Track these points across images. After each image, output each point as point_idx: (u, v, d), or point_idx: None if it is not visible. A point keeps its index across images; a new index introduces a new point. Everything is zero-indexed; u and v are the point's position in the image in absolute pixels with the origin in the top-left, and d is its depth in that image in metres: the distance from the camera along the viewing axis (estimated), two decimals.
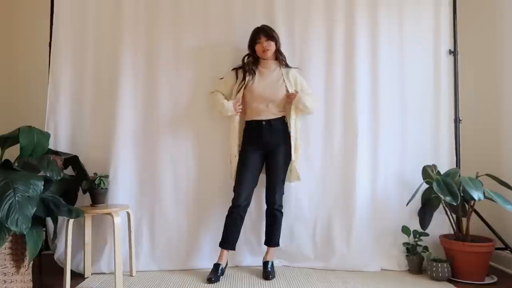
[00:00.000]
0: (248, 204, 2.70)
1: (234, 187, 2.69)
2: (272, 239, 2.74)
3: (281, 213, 2.73)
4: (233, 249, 2.70)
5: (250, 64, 2.75)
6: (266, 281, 2.59)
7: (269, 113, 2.70)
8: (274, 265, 2.75)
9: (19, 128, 2.37)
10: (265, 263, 2.71)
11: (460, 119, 3.02)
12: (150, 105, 2.91)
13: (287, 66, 2.80)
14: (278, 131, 2.70)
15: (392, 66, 2.97)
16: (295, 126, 2.75)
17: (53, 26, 2.92)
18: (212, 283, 2.54)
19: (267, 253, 2.75)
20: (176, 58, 2.92)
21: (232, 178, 2.74)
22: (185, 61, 2.92)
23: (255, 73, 2.73)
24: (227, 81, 2.79)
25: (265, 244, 2.77)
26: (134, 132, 2.88)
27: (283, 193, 2.74)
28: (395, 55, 2.98)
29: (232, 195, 2.69)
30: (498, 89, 3.03)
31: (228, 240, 2.67)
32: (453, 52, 3.02)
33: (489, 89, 3.09)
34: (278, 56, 2.77)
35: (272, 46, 2.70)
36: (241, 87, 2.72)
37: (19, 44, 3.31)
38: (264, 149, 2.71)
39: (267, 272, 2.65)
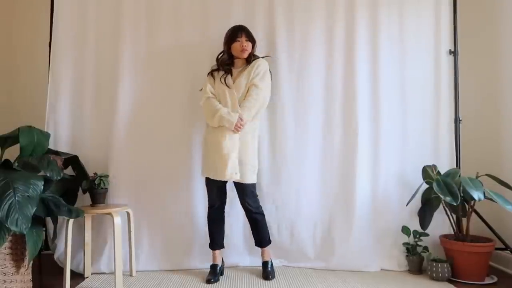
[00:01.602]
0: (223, 202, 2.68)
1: (206, 186, 2.67)
2: (261, 240, 2.69)
3: (262, 214, 2.67)
4: (223, 247, 2.71)
5: (225, 62, 2.66)
6: (266, 281, 2.59)
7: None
8: (274, 265, 2.74)
9: (19, 128, 2.38)
10: (264, 263, 2.70)
11: (460, 119, 3.02)
12: (150, 105, 2.91)
13: (254, 59, 2.69)
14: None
15: (392, 66, 2.97)
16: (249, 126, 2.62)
17: (53, 26, 2.93)
18: (211, 283, 2.54)
19: (262, 253, 2.72)
20: (176, 58, 2.93)
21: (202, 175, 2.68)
22: (185, 61, 2.93)
23: (231, 72, 2.65)
24: (211, 85, 2.67)
25: (256, 246, 2.73)
26: (134, 132, 2.88)
27: (255, 196, 2.64)
28: (395, 55, 2.97)
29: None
30: (498, 89, 3.03)
31: (215, 241, 2.68)
32: (453, 52, 3.01)
33: (489, 89, 3.09)
34: (249, 58, 2.67)
35: (250, 47, 2.64)
36: (221, 85, 2.61)
37: (19, 44, 3.31)
38: None
39: (267, 272, 2.64)
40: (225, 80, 2.61)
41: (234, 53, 2.66)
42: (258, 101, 2.60)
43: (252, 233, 2.72)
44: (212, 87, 2.66)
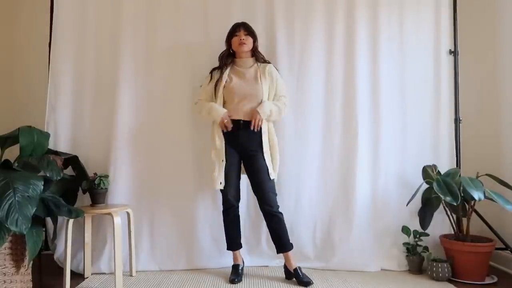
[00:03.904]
0: (239, 200, 2.68)
1: (222, 188, 2.63)
2: (284, 243, 2.57)
3: (281, 214, 2.60)
4: (241, 246, 2.72)
5: (225, 57, 2.67)
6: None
7: (248, 112, 2.59)
8: (274, 265, 2.74)
9: (19, 128, 2.38)
10: (295, 271, 2.55)
11: (460, 119, 3.02)
12: (150, 105, 2.91)
13: (264, 61, 2.72)
14: (255, 133, 2.58)
15: (392, 66, 2.97)
16: (268, 130, 2.64)
17: (53, 26, 2.93)
18: (235, 283, 2.53)
19: (288, 260, 2.58)
20: (176, 58, 2.92)
21: (219, 187, 2.60)
22: (184, 61, 2.92)
23: (227, 66, 2.66)
24: (204, 87, 2.71)
25: (279, 252, 2.61)
26: (134, 132, 2.88)
27: (276, 194, 2.61)
28: (395, 55, 2.98)
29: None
30: (498, 89, 3.03)
31: (235, 241, 2.68)
32: (453, 52, 3.02)
33: (489, 89, 3.09)
34: (255, 54, 2.70)
35: (249, 41, 2.63)
36: (219, 85, 2.61)
37: (19, 44, 3.30)
38: (241, 149, 2.60)
39: (303, 279, 2.50)
40: (237, 74, 2.63)
41: (234, 48, 2.67)
42: (281, 111, 2.66)
43: (274, 238, 2.60)
44: (206, 93, 2.68)
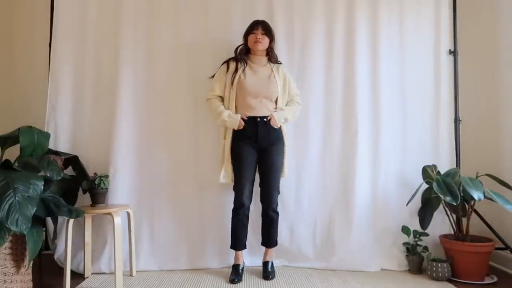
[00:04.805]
0: (251, 201, 2.68)
1: (235, 186, 2.66)
2: (271, 240, 2.71)
3: (277, 213, 2.69)
4: (245, 248, 2.73)
5: (242, 53, 2.71)
6: (266, 281, 2.59)
7: (264, 109, 2.64)
8: (274, 265, 2.74)
9: (19, 128, 2.38)
10: (265, 263, 2.70)
11: (460, 119, 3.02)
12: (150, 105, 2.91)
13: (276, 62, 2.76)
14: (273, 129, 2.64)
15: (392, 65, 2.97)
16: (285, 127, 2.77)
17: (53, 26, 2.92)
18: (235, 283, 2.54)
19: (266, 253, 2.73)
20: (176, 58, 2.92)
21: (230, 181, 2.68)
22: (184, 61, 2.92)
23: (246, 63, 2.69)
24: (220, 77, 2.73)
25: (262, 245, 2.74)
26: (134, 132, 2.88)
27: (279, 192, 2.69)
28: (395, 54, 2.98)
29: (231, 194, 2.69)
30: (498, 89, 3.03)
31: (241, 241, 2.69)
32: (453, 52, 3.02)
33: (489, 89, 3.09)
34: (270, 54, 2.73)
35: (265, 40, 2.66)
36: (233, 79, 2.65)
37: (19, 44, 3.30)
38: (258, 146, 2.64)
39: (267, 273, 2.64)
40: (244, 72, 2.66)
41: (249, 45, 2.69)
42: (294, 112, 2.78)
43: (263, 232, 2.72)
44: (220, 85, 2.72)
